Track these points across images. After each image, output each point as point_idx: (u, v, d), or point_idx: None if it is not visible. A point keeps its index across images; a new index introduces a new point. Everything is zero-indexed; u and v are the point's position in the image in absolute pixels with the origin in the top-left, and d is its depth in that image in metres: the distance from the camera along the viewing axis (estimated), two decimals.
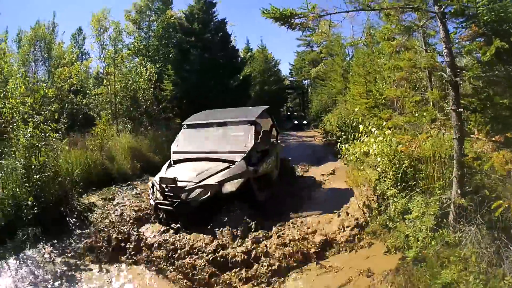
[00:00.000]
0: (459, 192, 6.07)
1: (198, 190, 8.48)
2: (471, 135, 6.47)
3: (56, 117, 10.74)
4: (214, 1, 26.08)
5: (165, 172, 9.84)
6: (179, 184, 8.62)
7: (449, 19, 5.98)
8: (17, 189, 8.76)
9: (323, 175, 14.82)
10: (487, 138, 6.13)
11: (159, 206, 8.85)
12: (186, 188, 8.51)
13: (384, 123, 9.51)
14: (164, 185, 8.76)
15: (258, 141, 10.19)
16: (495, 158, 5.16)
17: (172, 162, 10.54)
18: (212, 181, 8.66)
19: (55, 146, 10.13)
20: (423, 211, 6.53)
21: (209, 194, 8.42)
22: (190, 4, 26.35)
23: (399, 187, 8.02)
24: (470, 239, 5.47)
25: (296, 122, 46.37)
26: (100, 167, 13.02)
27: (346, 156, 11.25)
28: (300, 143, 27.71)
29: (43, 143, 9.51)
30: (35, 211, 8.43)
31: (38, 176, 9.02)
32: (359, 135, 10.44)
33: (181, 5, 74.69)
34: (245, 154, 9.54)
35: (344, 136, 13.71)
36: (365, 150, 9.68)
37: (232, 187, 8.66)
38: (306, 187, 12.91)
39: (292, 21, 6.55)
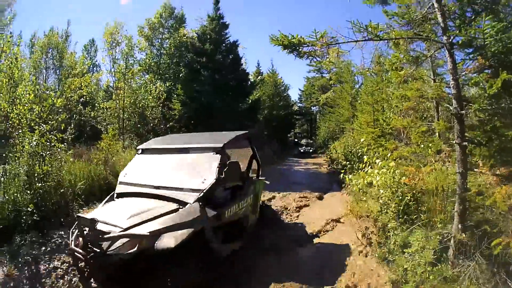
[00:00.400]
0: (460, 227, 5.90)
1: (123, 241, 5.82)
2: (475, 169, 6.34)
3: (63, 127, 10.73)
4: (227, 23, 26.13)
5: (100, 208, 7.54)
6: (102, 227, 6.03)
7: (457, 50, 5.90)
8: (18, 194, 8.71)
9: (326, 224, 11.57)
10: (490, 172, 6.00)
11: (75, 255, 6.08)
12: (109, 236, 5.84)
13: (389, 154, 9.41)
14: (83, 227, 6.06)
15: (223, 175, 7.26)
16: (497, 193, 5.02)
17: (115, 195, 8.07)
18: (145, 229, 5.86)
19: (59, 157, 10.12)
20: (423, 245, 6.38)
21: (136, 248, 5.73)
22: (203, 24, 26.66)
23: (400, 219, 7.84)
24: (469, 275, 5.31)
25: (301, 150, 45.42)
26: (103, 181, 12.80)
27: (349, 186, 11.06)
28: (306, 171, 27.59)
29: (47, 152, 9.54)
30: (35, 218, 8.43)
31: (40, 184, 9.02)
32: (363, 165, 10.31)
33: (194, 24, 75.66)
34: (202, 194, 6.77)
35: (349, 166, 13.56)
36: (369, 181, 9.51)
37: (171, 242, 5.81)
38: (296, 239, 10.33)
39: (300, 49, 6.49)
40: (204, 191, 6.82)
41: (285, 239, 10.08)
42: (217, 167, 7.27)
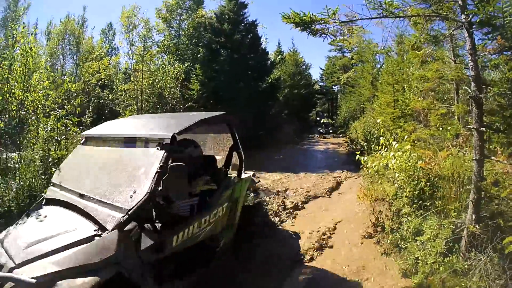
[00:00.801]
0: (474, 217, 5.66)
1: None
2: (492, 157, 6.05)
3: (78, 111, 10.66)
4: (245, 2, 25.91)
5: (21, 221, 5.23)
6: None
7: (476, 30, 5.58)
8: (34, 180, 8.69)
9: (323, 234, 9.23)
10: (508, 161, 5.72)
11: None
12: None
13: (406, 136, 9.15)
14: None
15: (161, 186, 4.61)
16: None
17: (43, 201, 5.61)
18: (36, 271, 3.76)
19: (75, 140, 10.08)
20: (436, 234, 6.16)
21: None
22: (222, 4, 26.45)
23: (415, 205, 7.60)
24: (479, 270, 5.11)
25: (321, 130, 44.80)
26: None
27: (365, 168, 10.80)
28: (325, 150, 27.54)
29: (63, 137, 9.58)
30: None
31: (55, 169, 8.82)
32: (379, 147, 10.05)
33: (213, 4, 75.21)
34: (125, 216, 4.23)
35: (366, 147, 13.30)
36: (384, 163, 9.26)
37: None
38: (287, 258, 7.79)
39: (312, 27, 6.25)
40: (129, 212, 4.25)
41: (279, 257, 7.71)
42: (156, 172, 4.53)
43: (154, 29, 22.91)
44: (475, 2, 5.70)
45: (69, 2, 62.45)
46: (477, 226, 5.48)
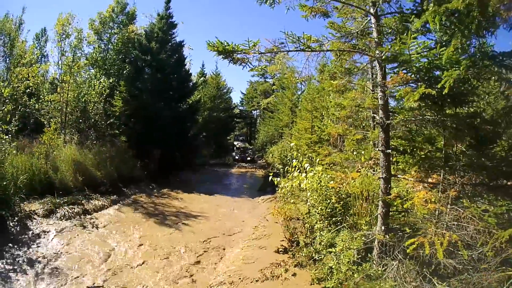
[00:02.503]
0: (383, 228, 6.30)
1: None
2: (398, 175, 6.78)
3: (8, 118, 10.45)
4: (175, 22, 25.91)
5: None
6: None
7: (387, 64, 6.29)
8: None
9: None
10: (414, 178, 6.44)
11: None
12: None
13: (319, 160, 9.82)
14: None
15: None
16: (416, 198, 5.41)
17: None
18: None
19: (3, 148, 10.00)
20: (348, 245, 6.74)
21: None
22: (152, 22, 26.33)
23: (327, 221, 8.22)
24: (393, 273, 5.64)
25: (236, 157, 40.73)
26: (44, 175, 12.63)
27: (279, 189, 11.38)
28: (242, 174, 28.06)
29: None
30: None
31: None
32: (292, 169, 10.66)
33: (145, 21, 74.54)
34: None
35: (282, 170, 13.91)
36: (296, 184, 9.87)
37: None
38: None
39: (234, 56, 6.65)
40: None
41: None
42: None
43: (85, 40, 22.45)
44: (389, 40, 6.51)
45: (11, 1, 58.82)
46: (387, 236, 6.11)
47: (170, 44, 25.57)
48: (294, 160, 10.90)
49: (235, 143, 48.63)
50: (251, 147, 49.88)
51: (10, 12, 24.03)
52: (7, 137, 9.87)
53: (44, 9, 67.61)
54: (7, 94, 11.55)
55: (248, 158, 40.14)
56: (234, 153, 42.48)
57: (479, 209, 4.94)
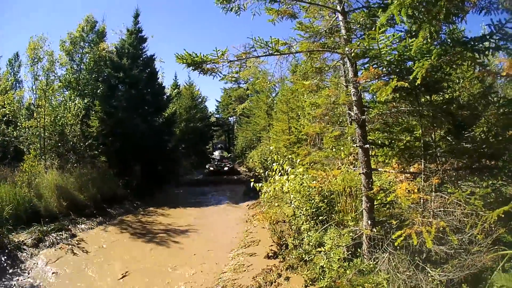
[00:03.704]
0: (369, 223, 6.34)
1: None
2: (379, 169, 6.83)
3: None
4: (145, 36, 25.85)
5: None
6: None
7: (357, 60, 6.34)
8: None
9: None
10: (395, 170, 6.49)
11: None
12: None
13: (299, 160, 9.83)
14: None
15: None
16: (398, 190, 5.45)
17: None
18: None
19: None
20: (337, 243, 6.75)
21: None
22: (123, 38, 25.98)
23: (313, 221, 8.23)
24: (385, 266, 5.67)
25: (211, 168, 33.25)
26: (28, 204, 12.43)
27: (262, 194, 11.37)
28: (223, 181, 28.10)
29: None
30: None
31: None
32: (273, 173, 10.66)
33: (114, 38, 74.02)
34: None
35: (263, 174, 13.91)
36: (279, 188, 9.87)
37: None
38: None
39: (203, 67, 6.65)
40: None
41: None
42: None
43: (57, 62, 22.16)
44: (357, 36, 6.56)
45: None
46: (374, 230, 6.15)
47: (141, 58, 25.41)
48: (274, 164, 10.91)
49: (215, 153, 41.69)
50: (229, 154, 45.59)
51: None
52: None
53: (16, 33, 66.92)
54: None
55: (226, 168, 32.56)
56: (208, 165, 34.27)
57: (465, 193, 4.97)
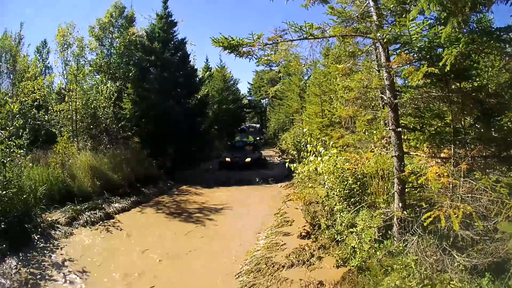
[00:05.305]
0: (400, 205, 6.48)
1: None
2: (411, 152, 6.94)
3: (20, 133, 10.61)
4: (175, 21, 25.93)
5: None
6: None
7: (389, 45, 6.43)
8: None
9: None
10: (426, 154, 6.60)
11: None
12: None
13: (332, 142, 9.96)
14: None
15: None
16: (429, 173, 5.57)
17: None
18: None
19: (19, 162, 10.15)
20: (368, 224, 6.92)
21: None
22: (152, 22, 26.21)
23: (346, 202, 8.40)
24: (413, 248, 5.82)
25: (227, 158, 23.94)
26: (62, 184, 12.72)
27: (296, 175, 11.56)
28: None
29: (8, 159, 9.52)
30: (1, 226, 8.53)
31: (3, 192, 8.98)
32: (308, 154, 10.80)
33: (144, 23, 74.05)
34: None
35: (297, 155, 14.04)
36: (313, 168, 10.02)
37: None
38: None
39: (239, 50, 6.80)
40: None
41: None
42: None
43: (87, 47, 22.50)
44: (389, 22, 6.66)
45: (7, 17, 58.72)
46: (405, 212, 6.31)
47: (172, 42, 25.57)
48: (308, 145, 11.05)
49: (236, 137, 30.57)
50: (258, 138, 35.37)
51: (9, 29, 23.89)
52: (21, 151, 10.01)
53: (41, 22, 67.87)
54: (16, 109, 11.70)
55: (248, 160, 23.45)
56: (223, 155, 25.59)
57: (491, 180, 5.07)
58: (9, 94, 17.41)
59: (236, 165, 22.90)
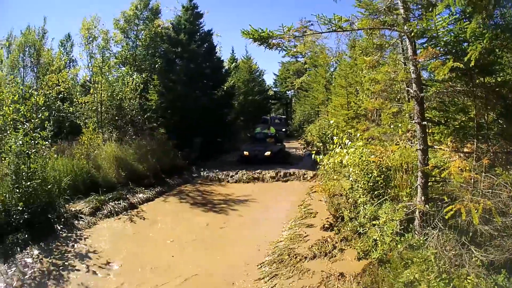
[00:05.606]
0: (423, 199, 6.50)
1: None
2: (435, 146, 6.94)
3: (45, 125, 10.78)
4: (201, 12, 26.15)
5: None
6: None
7: (416, 39, 6.44)
8: (7, 195, 8.94)
9: None
10: (450, 148, 6.60)
11: None
12: None
13: (358, 134, 9.97)
14: None
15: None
16: (452, 167, 5.59)
17: None
18: None
19: (44, 154, 10.33)
20: (391, 217, 6.95)
21: None
22: (178, 14, 26.67)
23: (369, 195, 8.43)
24: (434, 242, 5.84)
25: (245, 153, 22.13)
26: (86, 175, 12.92)
27: (321, 166, 11.59)
28: None
29: (33, 150, 9.71)
30: (25, 216, 8.69)
31: (28, 183, 9.21)
32: (333, 146, 10.83)
33: (169, 15, 74.42)
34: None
35: (322, 147, 14.06)
36: (339, 161, 10.06)
37: None
38: None
39: (269, 42, 6.86)
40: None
41: None
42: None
43: (112, 40, 22.79)
44: (416, 15, 6.65)
45: (30, 13, 59.83)
46: (427, 206, 6.33)
47: (198, 33, 25.73)
48: (335, 137, 11.08)
49: (257, 128, 27.56)
50: (284, 130, 36.66)
51: (32, 24, 24.18)
52: (46, 142, 10.21)
53: (64, 17, 69.04)
54: (41, 102, 11.95)
55: (267, 153, 21.64)
56: (243, 148, 23.29)
57: (511, 176, 5.08)
58: (34, 87, 17.78)
59: (256, 159, 21.40)
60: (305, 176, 17.50)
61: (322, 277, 7.02)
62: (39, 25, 22.34)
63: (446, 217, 5.28)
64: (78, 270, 7.60)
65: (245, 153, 22.05)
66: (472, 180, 5.70)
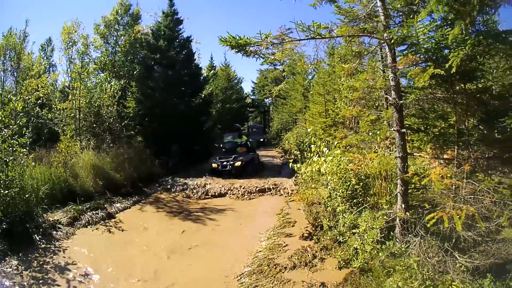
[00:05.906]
0: (403, 206, 6.48)
1: None
2: (414, 153, 6.94)
3: (24, 132, 10.52)
4: (181, 18, 26.03)
5: None
6: None
7: (396, 46, 6.43)
8: None
9: None
10: (430, 155, 6.59)
11: None
12: None
13: (336, 142, 9.96)
14: None
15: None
16: (433, 174, 5.57)
17: None
18: None
19: (22, 161, 10.12)
20: (371, 225, 6.91)
21: None
22: (158, 20, 26.46)
23: (348, 203, 8.39)
24: (416, 249, 5.81)
25: (213, 165, 20.15)
26: (64, 184, 12.70)
27: (298, 175, 11.55)
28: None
29: (11, 158, 9.47)
30: (3, 226, 8.49)
31: (6, 191, 8.97)
32: (311, 154, 10.80)
33: (149, 20, 74.29)
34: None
35: (300, 155, 14.03)
36: (316, 169, 10.02)
37: None
38: None
39: (247, 49, 6.83)
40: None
41: None
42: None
43: (92, 45, 22.54)
44: (396, 22, 6.66)
45: (11, 13, 58.63)
46: (407, 213, 6.30)
47: (177, 40, 25.66)
48: (312, 146, 11.05)
49: (226, 137, 25.05)
50: (261, 138, 36.79)
51: (14, 27, 23.74)
52: (24, 150, 9.97)
53: (46, 20, 68.13)
54: (20, 108, 11.68)
55: (237, 164, 20.01)
56: (211, 160, 21.37)
57: (494, 182, 5.09)
58: (13, 92, 17.49)
59: (225, 171, 19.82)
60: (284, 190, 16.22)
61: (303, 287, 6.95)
62: (20, 28, 22.04)
63: (428, 225, 5.25)
64: (58, 285, 7.40)
65: (213, 165, 20.26)
66: (454, 186, 5.69)
